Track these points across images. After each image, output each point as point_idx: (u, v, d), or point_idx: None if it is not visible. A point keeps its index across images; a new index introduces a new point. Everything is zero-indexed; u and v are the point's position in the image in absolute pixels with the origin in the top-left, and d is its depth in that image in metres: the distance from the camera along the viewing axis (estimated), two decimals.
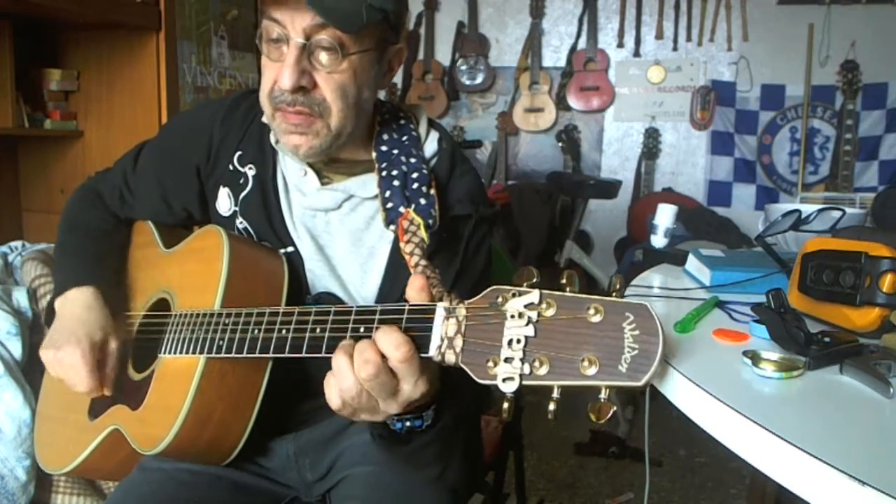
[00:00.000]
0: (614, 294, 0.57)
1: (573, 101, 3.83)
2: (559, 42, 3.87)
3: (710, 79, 3.68)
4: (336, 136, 0.89)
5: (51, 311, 1.03)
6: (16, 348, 1.29)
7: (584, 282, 3.40)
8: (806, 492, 0.52)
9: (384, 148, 0.95)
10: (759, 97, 3.64)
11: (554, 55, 3.88)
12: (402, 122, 0.99)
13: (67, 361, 0.93)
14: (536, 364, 0.56)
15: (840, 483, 0.49)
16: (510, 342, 0.57)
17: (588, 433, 2.61)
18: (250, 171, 0.99)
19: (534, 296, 0.58)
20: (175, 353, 0.89)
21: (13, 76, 2.00)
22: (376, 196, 0.90)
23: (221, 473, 0.98)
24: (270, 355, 0.77)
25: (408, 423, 0.73)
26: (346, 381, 0.65)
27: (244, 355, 0.80)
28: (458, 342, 0.61)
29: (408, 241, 0.80)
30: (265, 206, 0.97)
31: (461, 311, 0.62)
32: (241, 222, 0.99)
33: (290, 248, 0.96)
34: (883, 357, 0.71)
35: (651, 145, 3.76)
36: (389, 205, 0.87)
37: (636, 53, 3.76)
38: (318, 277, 0.96)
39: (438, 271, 0.74)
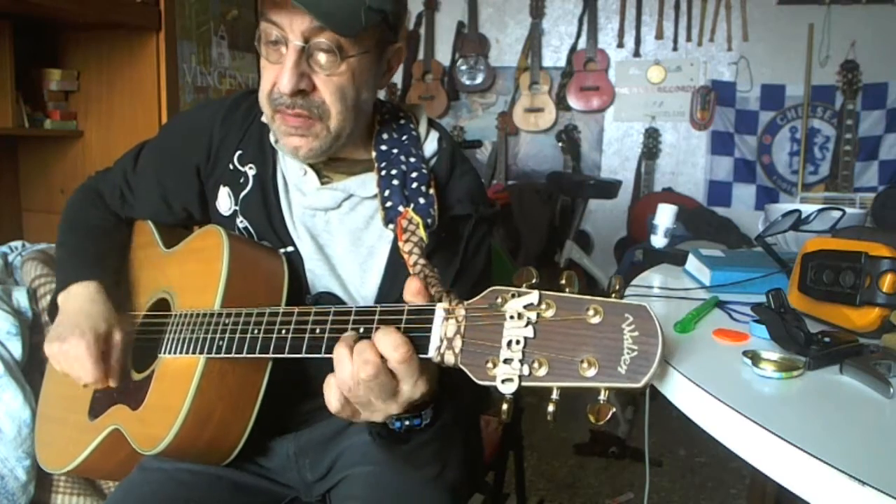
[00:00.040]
0: (614, 295, 0.57)
1: (573, 101, 3.83)
2: (559, 42, 3.87)
3: (710, 79, 3.68)
4: (336, 138, 0.89)
5: (53, 308, 1.03)
6: (16, 348, 1.29)
7: (584, 282, 3.40)
8: (806, 492, 0.52)
9: (384, 147, 0.95)
10: (759, 97, 3.64)
11: (554, 55, 3.88)
12: (402, 121, 0.99)
13: (72, 353, 0.93)
14: (535, 365, 0.56)
15: (840, 483, 0.49)
16: (509, 343, 0.57)
17: (588, 433, 2.61)
18: (250, 171, 0.99)
19: (533, 297, 0.58)
20: (175, 353, 0.89)
21: (13, 76, 2.00)
22: (376, 195, 0.90)
23: (221, 473, 0.98)
24: (270, 355, 0.77)
25: (406, 422, 0.73)
26: (344, 371, 0.65)
27: (244, 355, 0.80)
28: (458, 343, 0.61)
29: (406, 241, 0.80)
30: (265, 206, 0.98)
31: (460, 311, 0.61)
32: (241, 222, 0.99)
33: (290, 248, 0.96)
34: (883, 357, 0.71)
35: (651, 145, 3.76)
36: (388, 204, 0.87)
37: (636, 53, 3.76)
38: (318, 277, 0.96)
39: (437, 271, 0.74)
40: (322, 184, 0.96)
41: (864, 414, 0.64)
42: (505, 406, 0.58)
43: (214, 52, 2.40)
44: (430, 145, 0.97)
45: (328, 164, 0.96)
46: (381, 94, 1.02)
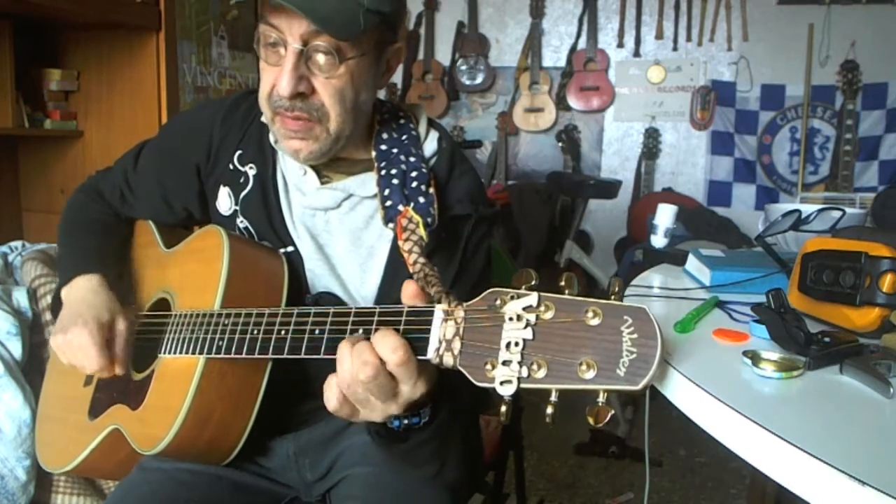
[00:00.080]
0: (613, 297, 0.56)
1: (573, 101, 3.83)
2: (559, 42, 3.87)
3: (710, 79, 3.68)
4: (336, 140, 0.89)
5: (57, 303, 1.03)
6: (16, 348, 1.29)
7: (585, 282, 3.40)
8: (806, 492, 0.52)
9: (383, 147, 0.95)
10: (759, 97, 3.64)
11: (554, 55, 3.88)
12: (402, 121, 0.99)
13: (76, 342, 0.93)
14: (534, 367, 0.56)
15: (840, 483, 0.49)
16: (508, 345, 0.57)
17: (588, 433, 2.61)
18: (251, 171, 0.99)
19: (532, 298, 0.58)
20: (175, 353, 0.89)
21: (13, 76, 2.00)
22: (375, 195, 0.90)
23: (221, 473, 0.98)
24: (269, 356, 0.77)
25: (405, 421, 0.73)
26: (344, 369, 0.65)
27: (243, 356, 0.80)
28: (457, 345, 0.60)
29: (406, 239, 0.80)
30: (265, 206, 0.98)
31: (459, 313, 0.61)
32: (241, 221, 0.99)
33: (290, 248, 0.96)
34: (883, 357, 0.71)
35: (651, 145, 3.76)
36: (388, 203, 0.87)
37: (636, 53, 3.76)
38: (318, 277, 0.96)
39: (437, 270, 0.74)
40: (322, 183, 0.96)
41: (864, 414, 0.64)
42: (504, 408, 0.57)
43: (214, 52, 2.40)
44: (430, 145, 0.97)
45: (328, 164, 0.96)
46: (381, 94, 1.02)
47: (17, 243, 1.53)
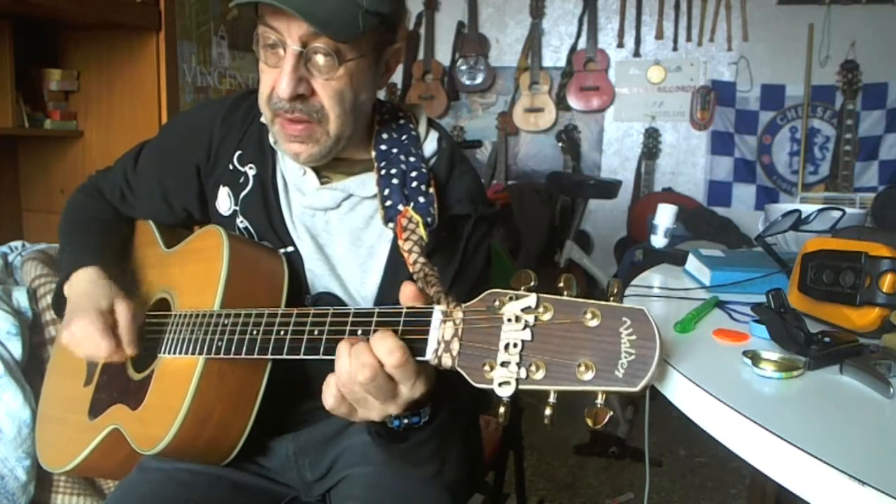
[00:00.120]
0: (612, 298, 0.56)
1: (573, 101, 3.83)
2: (559, 42, 3.87)
3: (710, 79, 3.68)
4: (336, 142, 0.89)
5: (58, 300, 1.02)
6: (16, 348, 1.29)
7: (584, 282, 3.40)
8: (806, 492, 0.52)
9: (383, 147, 0.95)
10: (759, 97, 3.64)
11: (554, 55, 3.88)
12: (402, 121, 0.99)
13: (79, 334, 0.92)
14: (533, 368, 0.56)
15: (840, 483, 0.49)
16: (507, 346, 0.57)
17: (588, 433, 2.61)
18: (250, 171, 0.99)
19: (531, 299, 0.57)
20: (174, 353, 0.89)
21: (13, 76, 2.00)
22: (375, 195, 0.90)
23: (221, 473, 0.98)
24: (269, 357, 0.77)
25: (405, 421, 0.73)
26: (342, 368, 0.65)
27: (243, 356, 0.80)
28: (455, 346, 0.60)
29: (406, 239, 0.80)
30: (265, 206, 0.98)
31: (458, 314, 0.61)
32: (241, 222, 0.99)
33: (290, 248, 0.96)
34: (883, 357, 0.71)
35: (651, 145, 3.75)
36: (388, 202, 0.87)
37: (636, 53, 3.76)
38: (318, 277, 0.96)
39: (437, 270, 0.74)
40: (322, 183, 0.96)
41: (864, 414, 0.64)
42: (502, 409, 0.57)
43: (214, 52, 2.40)
44: (430, 145, 0.97)
45: (328, 164, 0.96)
46: (381, 94, 1.02)
47: (17, 243, 1.53)
